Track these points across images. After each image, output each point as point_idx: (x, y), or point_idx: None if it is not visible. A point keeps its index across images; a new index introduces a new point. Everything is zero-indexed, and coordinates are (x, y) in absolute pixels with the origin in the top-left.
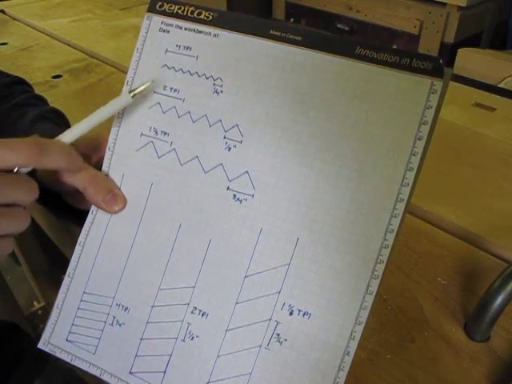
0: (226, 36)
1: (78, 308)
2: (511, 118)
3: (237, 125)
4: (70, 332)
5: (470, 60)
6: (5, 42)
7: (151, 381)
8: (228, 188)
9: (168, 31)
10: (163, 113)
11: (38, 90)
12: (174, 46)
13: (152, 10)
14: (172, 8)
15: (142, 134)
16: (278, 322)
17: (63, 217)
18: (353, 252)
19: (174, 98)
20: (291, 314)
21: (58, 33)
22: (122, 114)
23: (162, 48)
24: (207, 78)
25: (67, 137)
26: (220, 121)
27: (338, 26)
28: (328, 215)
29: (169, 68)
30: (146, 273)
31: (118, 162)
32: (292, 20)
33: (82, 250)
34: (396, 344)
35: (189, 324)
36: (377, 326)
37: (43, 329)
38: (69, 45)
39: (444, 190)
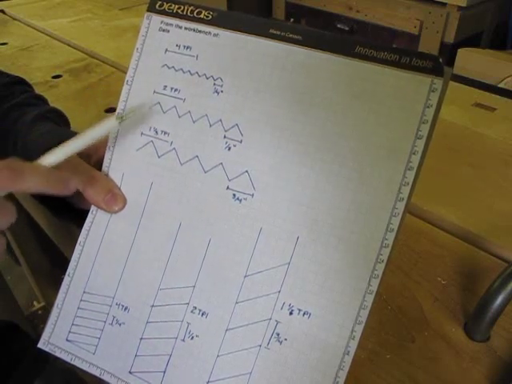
0: (226, 35)
1: (78, 308)
2: (511, 118)
3: (237, 124)
4: (69, 332)
5: (469, 60)
6: (5, 42)
7: (151, 380)
8: (228, 187)
9: (168, 31)
10: (163, 113)
11: (38, 90)
12: (174, 46)
13: (152, 9)
14: (172, 7)
15: (142, 133)
16: (278, 322)
17: (63, 217)
18: (353, 251)
19: (175, 97)
20: (291, 313)
21: (58, 33)
22: None
23: (162, 48)
24: (207, 78)
25: (48, 159)
26: (220, 120)
27: (338, 26)
28: (328, 214)
29: (169, 68)
30: (146, 272)
31: (118, 162)
32: (292, 20)
33: (82, 249)
34: (396, 344)
35: (189, 324)
36: (377, 325)
37: (43, 329)
38: (69, 45)
39: (444, 189)
